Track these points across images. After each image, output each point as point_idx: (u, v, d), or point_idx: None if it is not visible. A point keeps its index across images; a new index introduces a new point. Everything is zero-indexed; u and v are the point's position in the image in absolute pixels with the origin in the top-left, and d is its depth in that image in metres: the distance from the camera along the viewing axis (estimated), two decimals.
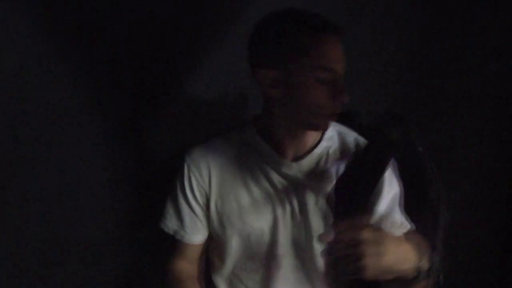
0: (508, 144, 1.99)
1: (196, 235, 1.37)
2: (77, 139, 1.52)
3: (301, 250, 1.32)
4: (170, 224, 1.38)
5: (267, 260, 1.32)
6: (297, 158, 1.30)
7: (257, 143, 1.31)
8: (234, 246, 1.33)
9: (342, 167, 1.27)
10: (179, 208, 1.36)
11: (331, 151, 1.32)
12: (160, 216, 1.40)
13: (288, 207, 1.31)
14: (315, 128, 1.27)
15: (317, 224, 1.30)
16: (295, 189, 1.30)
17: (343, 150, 1.33)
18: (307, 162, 1.30)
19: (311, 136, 1.31)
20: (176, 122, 1.62)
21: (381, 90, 1.81)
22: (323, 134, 1.33)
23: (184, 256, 1.40)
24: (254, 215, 1.31)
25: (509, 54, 1.91)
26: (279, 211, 1.31)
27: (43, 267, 1.54)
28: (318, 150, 1.31)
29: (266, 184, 1.31)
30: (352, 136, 1.36)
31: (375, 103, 1.75)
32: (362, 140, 1.35)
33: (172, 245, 1.40)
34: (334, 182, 1.27)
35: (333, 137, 1.34)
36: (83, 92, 1.50)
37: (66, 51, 1.46)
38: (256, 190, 1.31)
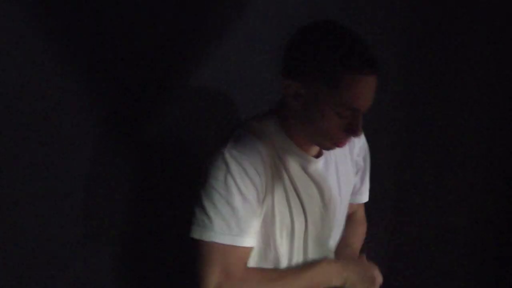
0: (508, 144, 1.99)
1: (247, 237, 1.20)
2: (77, 139, 1.51)
3: (319, 245, 1.34)
4: (220, 234, 1.17)
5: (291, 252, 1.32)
6: (318, 154, 1.30)
7: (283, 140, 1.26)
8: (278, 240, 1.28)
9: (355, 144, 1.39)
10: (222, 211, 1.17)
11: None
12: (188, 225, 1.24)
13: (315, 203, 1.31)
14: (321, 147, 1.27)
15: (341, 217, 1.39)
16: (321, 182, 1.30)
17: None
18: (324, 156, 1.31)
19: None
20: (176, 122, 1.62)
21: (381, 90, 1.81)
22: None
23: (237, 271, 1.19)
24: (288, 212, 1.28)
25: (509, 54, 1.91)
26: (308, 208, 1.29)
27: (43, 267, 1.54)
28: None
29: (295, 179, 1.28)
30: None
31: (375, 103, 1.75)
32: None
33: (222, 263, 1.18)
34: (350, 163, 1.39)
35: None
36: (83, 92, 1.50)
37: (66, 50, 1.46)
38: (288, 185, 1.27)
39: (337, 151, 1.32)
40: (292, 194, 1.28)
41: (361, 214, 1.58)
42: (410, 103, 1.87)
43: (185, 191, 1.69)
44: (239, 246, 1.18)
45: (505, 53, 1.92)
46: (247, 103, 1.68)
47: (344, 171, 1.38)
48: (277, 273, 1.26)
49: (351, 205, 1.49)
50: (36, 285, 1.53)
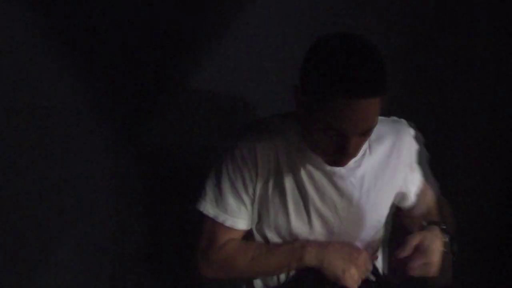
0: (507, 143, 1.99)
1: (239, 220, 1.30)
2: (77, 138, 1.52)
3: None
4: (210, 207, 1.31)
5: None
6: None
7: (299, 141, 1.26)
8: (268, 238, 1.32)
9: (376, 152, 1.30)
10: (224, 193, 1.29)
11: (367, 155, 1.29)
12: (197, 198, 1.33)
13: (326, 210, 1.30)
14: (326, 162, 1.23)
15: (367, 234, 1.34)
16: (335, 187, 1.28)
17: (380, 141, 1.31)
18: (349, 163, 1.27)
19: None
20: (176, 121, 1.62)
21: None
22: None
23: (219, 241, 1.32)
24: (293, 213, 1.29)
25: (509, 54, 1.91)
26: (315, 210, 1.29)
27: (43, 267, 1.54)
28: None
29: (305, 181, 1.28)
30: (388, 128, 1.32)
31: None
32: (401, 127, 1.34)
33: (209, 231, 1.33)
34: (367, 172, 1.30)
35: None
36: (83, 92, 1.50)
37: (67, 50, 1.46)
38: (295, 187, 1.29)
39: (376, 165, 1.29)
40: (295, 196, 1.28)
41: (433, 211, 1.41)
42: (409, 103, 1.87)
43: (185, 191, 1.69)
44: (222, 223, 1.30)
45: (505, 53, 1.92)
46: (247, 103, 1.68)
47: (381, 187, 1.31)
48: (255, 246, 1.32)
49: (413, 211, 1.40)
50: (36, 285, 1.53)
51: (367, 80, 1.06)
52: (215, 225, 1.32)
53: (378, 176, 1.30)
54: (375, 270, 1.33)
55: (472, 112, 1.95)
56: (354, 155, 1.16)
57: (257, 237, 1.34)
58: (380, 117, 1.16)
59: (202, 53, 1.61)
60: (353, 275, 1.25)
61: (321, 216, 1.29)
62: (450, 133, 1.93)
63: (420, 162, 1.37)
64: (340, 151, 1.12)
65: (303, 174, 1.27)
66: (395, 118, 1.36)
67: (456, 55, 1.88)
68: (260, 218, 1.32)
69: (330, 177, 1.26)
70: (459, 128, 1.94)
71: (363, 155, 1.28)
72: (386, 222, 1.38)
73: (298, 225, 1.29)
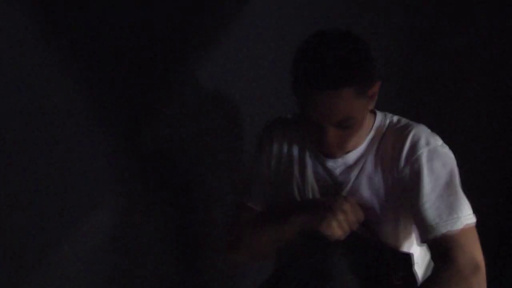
0: (506, 143, 1.99)
1: (260, 200, 1.35)
2: (77, 139, 1.51)
3: None
4: (242, 194, 1.37)
5: None
6: (333, 156, 1.27)
7: (303, 134, 1.32)
8: None
9: (374, 169, 1.25)
10: (251, 178, 1.36)
11: (373, 147, 1.27)
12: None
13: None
14: (319, 150, 1.27)
15: None
16: (327, 184, 1.29)
17: (387, 145, 1.26)
18: (352, 157, 1.26)
19: (359, 134, 1.25)
20: (176, 122, 1.62)
21: (380, 90, 1.81)
22: (371, 127, 1.28)
23: (242, 221, 1.35)
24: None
25: (508, 54, 1.91)
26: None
27: (43, 266, 1.54)
28: (362, 147, 1.27)
29: (314, 175, 1.30)
30: (400, 132, 1.24)
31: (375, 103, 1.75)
32: (414, 138, 1.21)
33: (235, 215, 1.38)
34: (362, 188, 1.25)
35: (379, 132, 1.28)
36: (83, 92, 1.50)
37: (67, 50, 1.46)
38: (297, 177, 1.31)
39: (369, 165, 1.25)
40: (300, 188, 1.30)
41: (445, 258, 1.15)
42: (409, 103, 1.87)
43: (185, 191, 1.69)
44: (245, 203, 1.35)
45: (504, 53, 1.92)
46: (247, 104, 1.69)
47: (375, 187, 1.26)
48: (259, 216, 1.34)
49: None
50: (36, 284, 1.53)
51: (330, 72, 1.09)
52: (240, 207, 1.36)
53: (374, 176, 1.26)
54: (367, 226, 1.22)
55: (471, 112, 1.95)
56: (339, 146, 1.18)
57: None
58: (398, 119, 1.25)
59: (202, 53, 1.61)
60: (329, 222, 1.15)
61: None
62: (449, 133, 1.94)
63: (418, 189, 1.18)
64: (318, 142, 1.18)
65: (309, 168, 1.29)
66: (413, 123, 1.27)
67: (455, 55, 1.88)
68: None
69: (330, 173, 1.27)
70: (458, 128, 1.94)
71: (364, 153, 1.26)
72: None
73: None
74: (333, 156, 1.23)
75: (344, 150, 1.22)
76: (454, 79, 1.91)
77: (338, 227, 1.15)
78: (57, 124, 1.48)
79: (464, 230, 1.13)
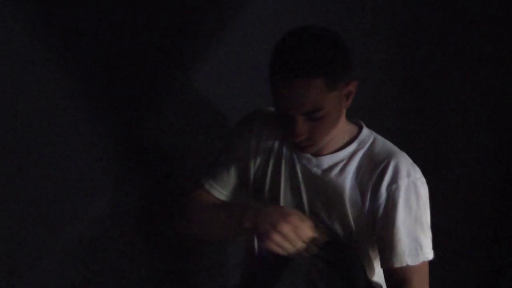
0: (503, 144, 2.00)
1: (218, 187, 1.36)
2: (77, 139, 1.52)
3: None
4: (204, 176, 1.37)
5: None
6: (319, 154, 1.29)
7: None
8: None
9: (352, 181, 1.25)
10: (218, 163, 1.37)
11: (355, 158, 1.27)
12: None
13: (297, 198, 1.31)
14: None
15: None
16: (311, 182, 1.29)
17: (368, 162, 1.27)
18: (327, 160, 1.28)
19: (336, 137, 1.28)
20: (176, 122, 1.63)
21: (380, 90, 1.82)
22: (354, 138, 1.30)
23: (193, 196, 1.37)
24: (268, 196, 1.33)
25: (507, 55, 1.92)
26: (289, 199, 1.31)
27: (40, 266, 1.55)
28: (341, 154, 1.28)
29: (288, 171, 1.31)
30: (385, 154, 1.26)
31: (375, 103, 1.76)
32: (397, 166, 1.23)
33: (196, 188, 1.38)
34: (344, 191, 1.25)
35: (362, 145, 1.29)
36: (82, 92, 1.50)
37: (66, 50, 1.46)
38: (277, 172, 1.32)
39: (347, 177, 1.26)
40: (269, 178, 1.32)
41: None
42: (407, 104, 1.88)
43: (184, 191, 1.69)
44: (202, 185, 1.36)
45: (503, 54, 1.93)
46: (247, 104, 1.69)
47: (345, 197, 1.26)
48: (215, 202, 1.35)
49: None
50: (36, 284, 1.53)
51: (300, 61, 1.12)
52: (197, 186, 1.37)
53: (346, 186, 1.26)
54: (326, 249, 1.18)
55: (470, 112, 1.96)
56: (310, 139, 1.19)
57: None
58: (383, 140, 1.27)
59: (202, 53, 1.61)
60: (273, 236, 1.12)
61: (288, 205, 1.30)
62: (447, 134, 1.94)
63: (389, 219, 1.22)
64: (291, 131, 1.18)
65: (284, 162, 1.31)
66: (398, 151, 1.28)
67: (454, 55, 1.89)
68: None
69: (305, 171, 1.29)
70: (456, 129, 1.95)
71: (342, 163, 1.27)
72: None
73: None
74: (304, 150, 1.23)
75: (315, 145, 1.22)
76: (451, 80, 1.92)
77: (280, 240, 1.13)
78: (54, 124, 1.48)
79: (424, 264, 1.23)
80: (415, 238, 1.22)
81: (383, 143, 1.30)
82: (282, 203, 1.30)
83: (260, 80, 1.69)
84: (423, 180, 1.25)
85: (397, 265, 1.21)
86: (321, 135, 1.20)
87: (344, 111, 1.25)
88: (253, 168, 1.35)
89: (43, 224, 1.51)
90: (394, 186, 1.22)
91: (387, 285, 1.27)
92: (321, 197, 1.28)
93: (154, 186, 1.65)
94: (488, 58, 1.91)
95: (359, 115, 1.34)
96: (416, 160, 1.27)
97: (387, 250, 1.23)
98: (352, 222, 1.25)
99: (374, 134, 1.31)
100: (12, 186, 1.46)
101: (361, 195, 1.25)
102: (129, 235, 1.64)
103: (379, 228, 1.23)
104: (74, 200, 1.54)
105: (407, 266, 1.21)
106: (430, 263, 1.25)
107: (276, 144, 1.33)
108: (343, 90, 1.19)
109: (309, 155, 1.28)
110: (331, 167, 1.27)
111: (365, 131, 1.31)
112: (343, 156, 1.28)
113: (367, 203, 1.24)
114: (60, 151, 1.50)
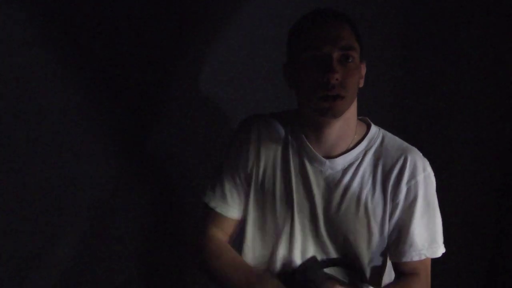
0: (503, 144, 2.00)
1: (230, 207, 1.33)
2: (77, 139, 1.52)
3: (313, 244, 1.32)
4: (210, 195, 1.34)
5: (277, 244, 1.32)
6: (332, 156, 1.29)
7: (297, 133, 1.31)
8: (250, 223, 1.33)
9: (370, 179, 1.28)
10: (222, 179, 1.34)
11: (368, 155, 1.29)
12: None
13: (311, 202, 1.30)
14: (319, 112, 1.23)
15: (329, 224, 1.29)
16: (324, 185, 1.29)
17: (383, 159, 1.29)
18: (341, 161, 1.29)
19: (347, 136, 1.29)
20: (176, 122, 1.63)
21: (380, 90, 1.82)
22: (364, 136, 1.31)
23: (209, 231, 1.34)
24: (279, 202, 1.31)
25: (507, 55, 1.92)
26: (303, 204, 1.30)
27: (40, 266, 1.55)
28: (353, 153, 1.29)
29: (298, 176, 1.30)
30: (399, 151, 1.29)
31: (375, 103, 1.76)
32: (414, 162, 1.27)
33: (208, 216, 1.35)
34: (363, 190, 1.27)
35: (372, 142, 1.30)
36: (83, 93, 1.50)
37: (66, 51, 1.47)
38: (287, 178, 1.31)
39: (365, 174, 1.28)
40: (282, 188, 1.30)
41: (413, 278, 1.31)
42: (408, 104, 1.88)
43: (184, 191, 1.69)
44: (213, 208, 1.32)
45: (503, 55, 1.93)
46: (247, 104, 1.69)
47: (363, 197, 1.28)
48: (229, 252, 1.32)
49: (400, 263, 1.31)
50: (36, 284, 1.53)
51: (329, 10, 1.25)
52: (209, 214, 1.34)
53: (364, 186, 1.28)
54: None
55: (470, 111, 1.96)
56: (342, 86, 1.19)
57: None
58: (392, 136, 1.29)
59: (202, 53, 1.61)
60: None
61: (302, 211, 1.29)
62: (447, 134, 1.94)
63: (410, 212, 1.27)
64: (323, 71, 1.18)
65: (293, 167, 1.30)
66: (410, 146, 1.32)
67: (454, 55, 1.89)
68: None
69: (318, 174, 1.28)
70: (456, 128, 1.95)
71: (356, 162, 1.28)
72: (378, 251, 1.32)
73: (282, 215, 1.31)
74: (335, 100, 1.20)
75: (346, 98, 1.20)
76: (450, 80, 1.92)
77: None
78: (55, 125, 1.49)
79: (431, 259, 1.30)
80: (433, 231, 1.28)
81: (393, 139, 1.32)
82: (296, 210, 1.29)
83: (260, 81, 1.70)
84: (432, 172, 1.30)
85: (416, 258, 1.26)
86: (351, 85, 1.21)
87: (356, 102, 1.27)
88: (259, 175, 1.32)
89: (43, 224, 1.51)
90: (413, 182, 1.26)
91: (396, 276, 1.31)
92: (337, 198, 1.28)
93: (154, 186, 1.66)
94: (488, 58, 1.91)
95: (359, 115, 1.34)
96: None
97: (404, 244, 1.27)
98: (372, 220, 1.27)
99: (382, 130, 1.33)
100: (12, 186, 1.46)
101: (383, 193, 1.27)
102: (129, 235, 1.64)
103: (397, 223, 1.27)
104: (74, 200, 1.54)
105: (426, 259, 1.28)
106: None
107: (280, 149, 1.32)
108: (359, 63, 1.24)
109: (321, 158, 1.27)
110: (346, 169, 1.28)
111: (374, 128, 1.32)
112: (356, 154, 1.29)
113: (388, 200, 1.27)
114: (60, 151, 1.51)
